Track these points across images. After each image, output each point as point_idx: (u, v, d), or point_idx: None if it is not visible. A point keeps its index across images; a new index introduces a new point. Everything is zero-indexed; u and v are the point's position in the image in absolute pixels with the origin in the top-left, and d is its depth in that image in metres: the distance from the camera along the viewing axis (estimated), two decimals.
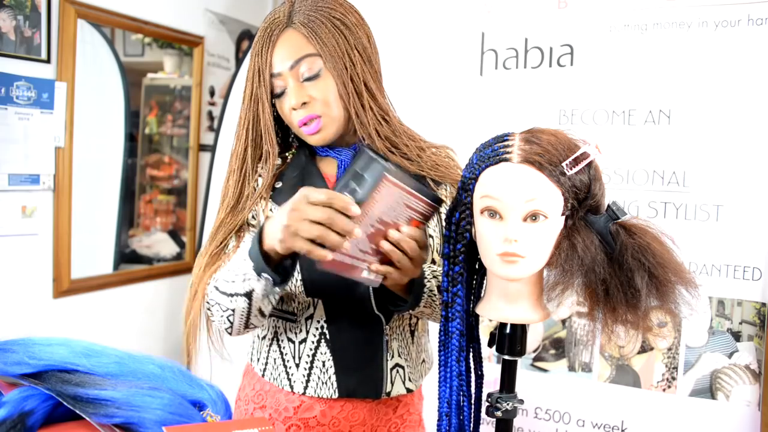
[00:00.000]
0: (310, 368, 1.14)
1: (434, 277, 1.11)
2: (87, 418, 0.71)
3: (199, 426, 0.73)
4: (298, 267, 1.09)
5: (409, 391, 1.17)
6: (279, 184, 1.17)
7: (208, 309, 1.11)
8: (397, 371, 1.16)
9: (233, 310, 1.04)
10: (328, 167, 1.18)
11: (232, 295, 1.03)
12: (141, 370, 0.81)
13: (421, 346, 1.22)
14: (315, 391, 1.14)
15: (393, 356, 1.16)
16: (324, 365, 1.13)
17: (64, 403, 0.72)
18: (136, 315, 2.52)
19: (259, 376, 1.20)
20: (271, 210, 1.15)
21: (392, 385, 1.15)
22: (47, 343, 0.80)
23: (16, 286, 2.05)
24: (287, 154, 1.21)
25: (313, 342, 1.14)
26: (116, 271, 2.52)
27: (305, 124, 1.10)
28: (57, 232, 2.15)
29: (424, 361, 1.23)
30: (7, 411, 0.69)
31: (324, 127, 1.11)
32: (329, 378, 1.13)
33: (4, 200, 1.98)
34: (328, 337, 1.13)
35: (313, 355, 1.14)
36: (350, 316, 1.13)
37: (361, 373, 1.13)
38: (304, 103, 1.09)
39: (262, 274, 0.97)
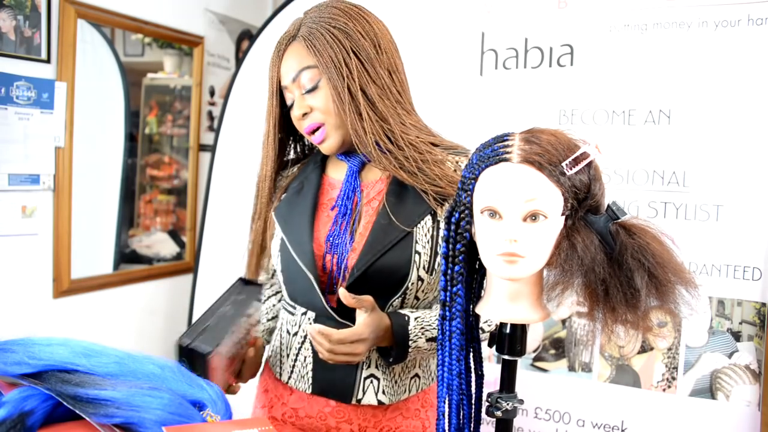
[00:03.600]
0: (295, 360, 1.20)
1: (425, 329, 1.11)
2: (87, 418, 0.71)
3: (199, 426, 0.74)
4: (283, 279, 1.22)
5: (380, 403, 1.16)
6: (285, 195, 1.25)
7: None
8: (371, 381, 1.16)
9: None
10: (338, 173, 1.22)
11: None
12: (141, 370, 0.81)
13: (415, 362, 1.19)
14: (295, 383, 1.20)
15: (369, 366, 1.16)
16: (305, 360, 1.18)
17: (64, 403, 0.72)
18: (136, 315, 2.52)
19: (268, 363, 1.29)
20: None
21: (363, 393, 1.15)
22: (47, 343, 0.80)
23: (16, 286, 2.05)
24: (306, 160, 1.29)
25: (301, 336, 1.20)
26: (116, 271, 2.51)
27: (312, 133, 1.16)
28: (57, 232, 2.15)
29: (417, 376, 1.20)
30: (7, 411, 0.69)
31: (328, 135, 1.15)
32: (307, 373, 1.18)
33: (4, 200, 1.98)
34: None
35: (299, 349, 1.19)
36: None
37: (333, 376, 1.16)
38: (305, 114, 1.14)
39: None
